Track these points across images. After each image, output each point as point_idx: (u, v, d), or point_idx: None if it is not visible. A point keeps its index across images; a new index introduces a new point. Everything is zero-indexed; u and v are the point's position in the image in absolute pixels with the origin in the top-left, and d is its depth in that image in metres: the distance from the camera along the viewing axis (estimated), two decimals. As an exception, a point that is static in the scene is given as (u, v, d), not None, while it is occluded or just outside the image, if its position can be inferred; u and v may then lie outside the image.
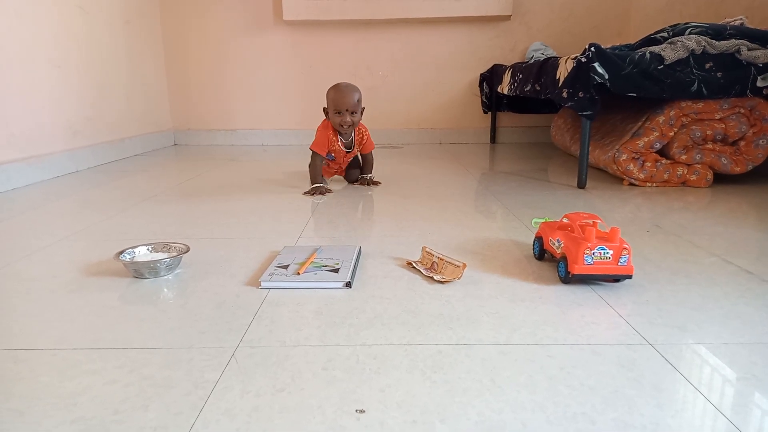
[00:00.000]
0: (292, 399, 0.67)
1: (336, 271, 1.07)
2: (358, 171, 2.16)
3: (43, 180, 2.23)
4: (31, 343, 0.82)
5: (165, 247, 1.18)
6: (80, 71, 2.56)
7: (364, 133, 2.06)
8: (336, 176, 2.20)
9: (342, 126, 1.92)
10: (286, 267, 1.10)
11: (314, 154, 1.98)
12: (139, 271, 1.09)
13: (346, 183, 2.15)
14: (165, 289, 1.04)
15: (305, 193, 1.92)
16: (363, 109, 1.99)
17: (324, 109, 1.99)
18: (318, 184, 1.95)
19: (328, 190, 1.95)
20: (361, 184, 2.09)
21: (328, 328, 0.86)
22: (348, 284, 1.03)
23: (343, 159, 2.09)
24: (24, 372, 0.74)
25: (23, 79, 2.16)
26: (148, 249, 1.17)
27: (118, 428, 0.62)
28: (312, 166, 1.99)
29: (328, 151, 2.00)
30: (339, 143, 2.00)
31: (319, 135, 1.98)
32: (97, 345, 0.81)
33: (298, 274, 1.06)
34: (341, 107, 1.90)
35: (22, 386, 0.71)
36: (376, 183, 2.09)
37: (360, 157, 2.16)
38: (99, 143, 2.69)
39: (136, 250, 1.16)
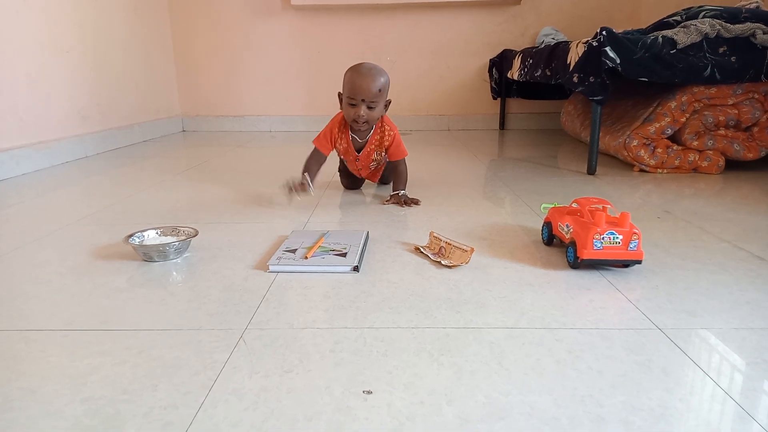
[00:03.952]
0: (300, 380, 0.67)
1: (344, 255, 1.07)
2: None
3: (52, 165, 2.24)
4: (42, 325, 0.83)
5: (174, 230, 1.19)
6: (89, 57, 2.55)
7: (388, 133, 1.55)
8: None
9: (355, 121, 1.48)
10: (293, 251, 1.10)
11: (314, 149, 1.58)
12: (148, 255, 1.10)
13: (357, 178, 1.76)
14: (174, 272, 1.04)
15: (281, 186, 1.56)
16: (389, 102, 1.52)
17: (339, 94, 1.52)
18: (296, 178, 1.52)
19: (309, 185, 1.52)
20: (395, 203, 1.55)
21: (336, 311, 0.86)
22: (356, 268, 1.03)
23: (355, 164, 1.61)
24: (35, 352, 0.75)
25: (32, 65, 2.16)
26: (157, 233, 1.18)
27: (128, 407, 0.62)
28: (306, 160, 1.59)
29: (335, 149, 1.60)
30: (346, 142, 1.56)
31: (325, 127, 1.58)
32: (106, 326, 0.82)
33: (306, 258, 1.06)
34: (356, 95, 1.43)
35: (33, 366, 0.71)
36: (414, 202, 1.53)
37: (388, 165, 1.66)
38: (107, 129, 2.70)
39: (145, 233, 1.17)
